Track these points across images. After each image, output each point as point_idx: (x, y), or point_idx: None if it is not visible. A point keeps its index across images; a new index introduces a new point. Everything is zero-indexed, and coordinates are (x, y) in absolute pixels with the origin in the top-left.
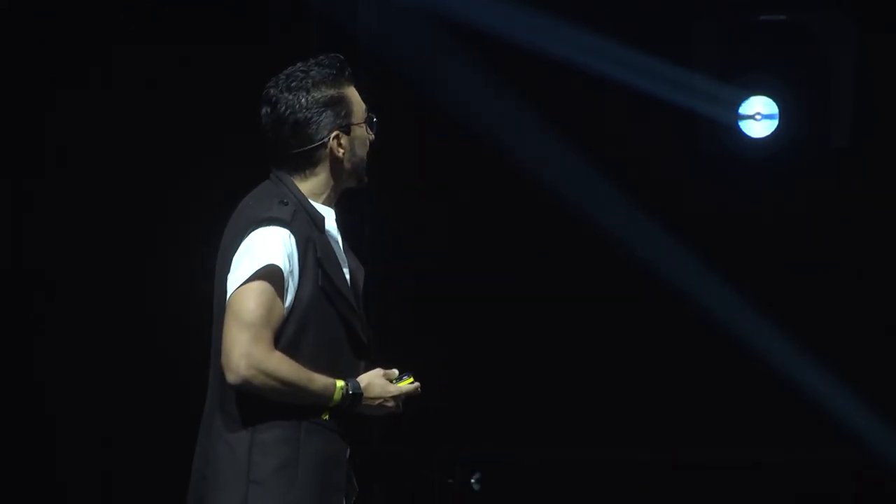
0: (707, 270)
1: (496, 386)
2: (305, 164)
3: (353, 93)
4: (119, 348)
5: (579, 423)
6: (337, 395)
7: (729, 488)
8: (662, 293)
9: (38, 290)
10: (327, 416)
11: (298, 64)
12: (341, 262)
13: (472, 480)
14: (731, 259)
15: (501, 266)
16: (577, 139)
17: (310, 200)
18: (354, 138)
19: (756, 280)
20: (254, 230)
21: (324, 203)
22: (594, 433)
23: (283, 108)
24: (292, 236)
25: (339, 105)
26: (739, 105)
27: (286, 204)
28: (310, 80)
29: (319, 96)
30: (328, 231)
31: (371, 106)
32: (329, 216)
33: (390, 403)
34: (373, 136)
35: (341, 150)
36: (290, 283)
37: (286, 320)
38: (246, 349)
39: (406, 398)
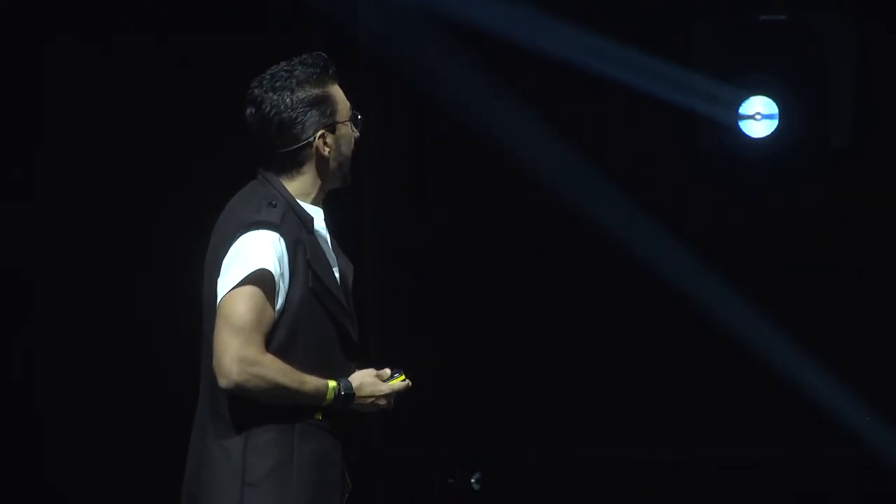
0: (707, 270)
1: (496, 386)
2: (292, 163)
3: (337, 91)
4: (108, 351)
5: (579, 423)
6: (329, 396)
7: (729, 488)
8: (662, 293)
9: (27, 294)
10: (320, 416)
11: (282, 63)
12: (331, 261)
13: (472, 480)
14: (731, 259)
15: (501, 266)
16: (577, 139)
17: (298, 201)
18: (340, 137)
19: (756, 280)
20: (243, 234)
21: (312, 203)
22: (594, 433)
23: (268, 108)
24: (282, 239)
25: (323, 104)
26: (739, 105)
27: (275, 206)
28: (294, 80)
29: (304, 96)
30: (317, 230)
31: (371, 106)
32: (318, 216)
33: (382, 402)
34: (358, 133)
35: (327, 149)
36: (281, 286)
37: (277, 322)
38: (237, 354)
39: (397, 396)
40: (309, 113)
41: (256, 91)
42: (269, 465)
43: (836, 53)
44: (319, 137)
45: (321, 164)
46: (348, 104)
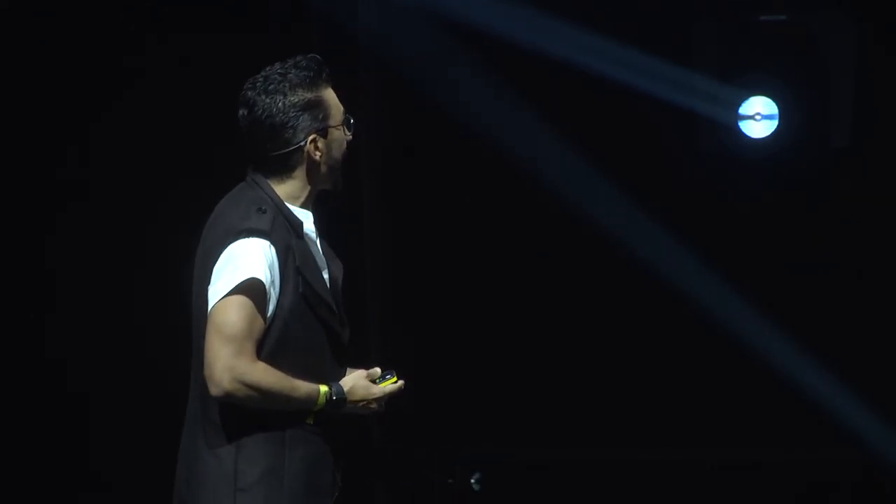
0: (707, 270)
1: (496, 386)
2: (282, 167)
3: (330, 95)
4: (108, 351)
5: (579, 423)
6: (321, 401)
7: (729, 488)
8: (662, 293)
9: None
10: (312, 421)
11: (276, 65)
12: (320, 265)
13: (472, 480)
14: (731, 259)
15: (501, 266)
16: (577, 139)
17: (287, 204)
18: (332, 141)
19: (756, 280)
20: (233, 241)
21: (301, 206)
22: (594, 433)
23: (261, 111)
24: (272, 247)
25: (316, 108)
26: (739, 105)
27: (264, 211)
28: (287, 84)
29: (297, 100)
30: (306, 234)
31: (371, 106)
32: (307, 220)
33: (374, 405)
34: (350, 136)
35: (318, 154)
36: (272, 294)
37: (268, 329)
38: (229, 362)
39: (390, 397)
40: (301, 117)
41: (249, 93)
42: (260, 471)
43: (836, 53)
44: (311, 142)
45: (312, 168)
46: (341, 107)
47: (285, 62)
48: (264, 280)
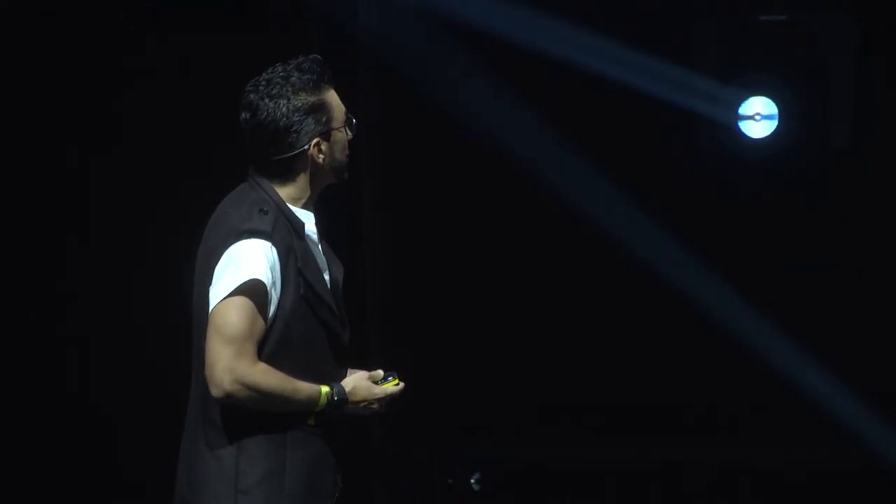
0: (707, 270)
1: (496, 386)
2: (285, 170)
3: (333, 97)
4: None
5: (579, 423)
6: (322, 401)
7: (729, 488)
8: (662, 293)
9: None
10: (313, 422)
11: (278, 67)
12: (321, 266)
13: (472, 480)
14: (731, 259)
15: (501, 266)
16: (577, 139)
17: (289, 206)
18: (334, 143)
19: (756, 280)
20: (235, 242)
21: (303, 207)
22: (594, 433)
23: (264, 115)
24: (274, 248)
25: (319, 112)
26: (739, 105)
27: (266, 212)
28: (290, 87)
29: (300, 104)
30: (308, 235)
31: (371, 106)
32: (308, 220)
33: (375, 406)
34: (352, 136)
35: (322, 157)
36: (273, 295)
37: (269, 330)
38: (229, 364)
39: (391, 399)
40: (304, 121)
41: (252, 96)
42: (261, 472)
43: (836, 53)
44: (315, 145)
45: (315, 170)
46: (343, 108)
47: (287, 64)
48: (265, 281)
